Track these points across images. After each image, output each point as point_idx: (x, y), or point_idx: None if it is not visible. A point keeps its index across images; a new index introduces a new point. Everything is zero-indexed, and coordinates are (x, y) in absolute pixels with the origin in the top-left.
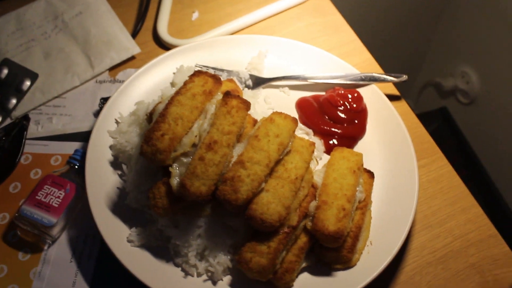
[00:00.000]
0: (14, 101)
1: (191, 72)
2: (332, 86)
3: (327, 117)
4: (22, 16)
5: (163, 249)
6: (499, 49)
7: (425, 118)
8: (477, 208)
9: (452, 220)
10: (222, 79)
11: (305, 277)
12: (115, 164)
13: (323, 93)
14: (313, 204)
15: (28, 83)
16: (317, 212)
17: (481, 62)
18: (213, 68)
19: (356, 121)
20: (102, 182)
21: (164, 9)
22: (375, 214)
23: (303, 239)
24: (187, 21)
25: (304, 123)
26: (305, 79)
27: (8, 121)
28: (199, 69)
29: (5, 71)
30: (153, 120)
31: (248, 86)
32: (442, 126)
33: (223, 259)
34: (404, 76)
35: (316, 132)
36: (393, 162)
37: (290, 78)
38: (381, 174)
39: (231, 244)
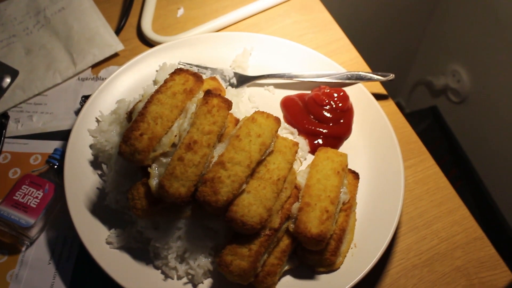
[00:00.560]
0: None
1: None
2: (318, 84)
3: (312, 117)
4: (3, 11)
5: (143, 251)
6: (490, 47)
7: (416, 117)
8: (464, 210)
9: (439, 222)
10: (205, 77)
11: (287, 280)
12: (95, 163)
13: (309, 92)
14: (296, 205)
15: (8, 80)
16: (300, 214)
17: (472, 61)
18: (196, 66)
19: (341, 121)
20: (81, 182)
21: (149, 5)
22: (360, 216)
23: (285, 242)
24: (172, 18)
25: (289, 123)
26: (290, 77)
27: None
28: (182, 66)
29: None
30: (133, 119)
31: (232, 85)
32: (432, 125)
33: (203, 262)
34: (391, 75)
35: (301, 132)
36: (379, 162)
37: (275, 76)
38: (367, 175)
39: (212, 247)
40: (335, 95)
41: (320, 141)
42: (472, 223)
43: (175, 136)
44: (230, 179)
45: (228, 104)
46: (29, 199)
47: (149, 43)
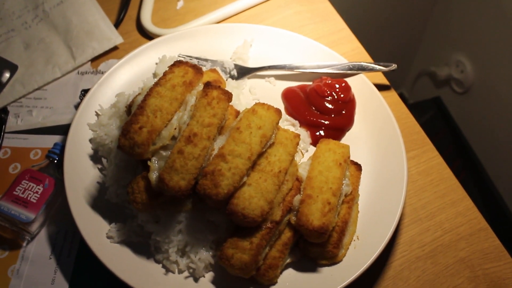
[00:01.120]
0: None
1: None
2: (319, 75)
3: (313, 108)
4: (1, 5)
5: (143, 245)
6: (494, 37)
7: (419, 107)
8: (468, 201)
9: (442, 213)
10: (205, 69)
11: (289, 273)
12: (95, 158)
13: (310, 83)
14: (298, 198)
15: (7, 75)
16: (301, 206)
17: (476, 51)
18: (196, 58)
19: (343, 112)
20: (81, 176)
21: None
22: (363, 208)
23: (287, 234)
24: (172, 10)
25: (290, 114)
26: (291, 68)
27: None
28: (182, 59)
29: None
30: (132, 112)
31: (232, 77)
32: (436, 115)
33: (204, 255)
34: (394, 65)
35: (303, 123)
36: (382, 153)
37: (276, 68)
38: (369, 166)
39: (213, 240)
40: (337, 86)
41: (322, 132)
42: (476, 214)
43: (175, 129)
44: (230, 172)
45: (228, 96)
46: (29, 194)
47: (149, 36)
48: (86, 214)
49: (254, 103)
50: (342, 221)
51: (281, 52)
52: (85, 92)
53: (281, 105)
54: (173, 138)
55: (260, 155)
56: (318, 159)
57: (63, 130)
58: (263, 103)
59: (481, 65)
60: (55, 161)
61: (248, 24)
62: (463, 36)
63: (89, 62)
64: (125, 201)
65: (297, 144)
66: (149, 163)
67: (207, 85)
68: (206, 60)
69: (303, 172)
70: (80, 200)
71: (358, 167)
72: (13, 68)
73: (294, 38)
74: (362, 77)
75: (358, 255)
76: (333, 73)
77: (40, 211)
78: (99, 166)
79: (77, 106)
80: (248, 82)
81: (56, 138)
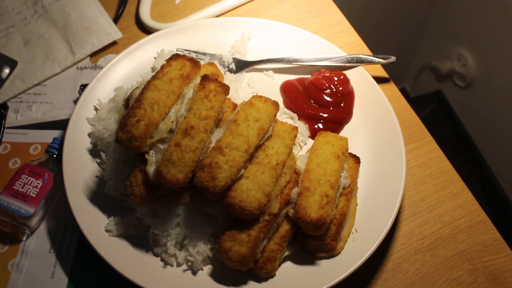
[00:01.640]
0: None
1: None
2: (318, 68)
3: (312, 101)
4: (1, 1)
5: (142, 238)
6: (496, 31)
7: (421, 101)
8: (467, 193)
9: (442, 206)
10: (203, 63)
11: (287, 266)
12: (94, 152)
13: (309, 76)
14: (295, 190)
15: (7, 70)
16: (299, 198)
17: (479, 45)
18: (195, 52)
19: (342, 105)
20: (80, 170)
21: None
22: (361, 201)
23: (285, 227)
24: (171, 4)
25: (288, 107)
26: (289, 61)
27: None
28: (180, 53)
29: None
30: (129, 106)
31: (231, 70)
32: (438, 109)
33: (203, 248)
34: (392, 57)
35: (301, 116)
36: (381, 146)
37: (274, 61)
38: (368, 159)
39: (211, 233)
40: (335, 78)
41: (320, 125)
42: (476, 207)
43: (172, 122)
44: (227, 164)
45: (225, 89)
46: (29, 188)
47: (148, 31)
48: (85, 208)
49: (252, 96)
50: (340, 214)
51: (280, 45)
52: (84, 87)
53: (279, 99)
54: (171, 131)
55: (258, 147)
56: (316, 151)
57: (63, 125)
58: (260, 96)
59: (483, 59)
60: (55, 156)
61: (247, 18)
62: (466, 30)
63: (88, 57)
64: (124, 194)
65: (295, 136)
66: (146, 156)
67: (205, 78)
68: (204, 54)
69: (301, 164)
70: (79, 194)
71: (356, 159)
72: (12, 64)
73: (293, 31)
74: (360, 69)
75: (357, 248)
76: (332, 66)
77: (39, 205)
78: (98, 160)
79: (76, 101)
80: (246, 76)
81: (56, 133)
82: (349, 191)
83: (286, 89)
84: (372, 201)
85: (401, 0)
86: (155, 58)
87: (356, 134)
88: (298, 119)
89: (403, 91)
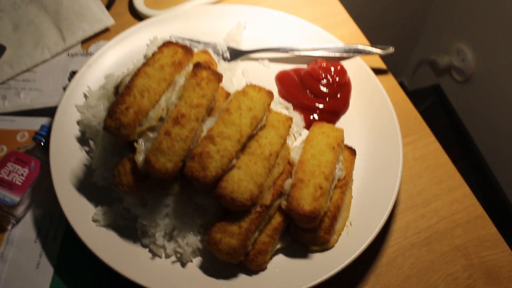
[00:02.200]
0: None
1: None
2: (314, 58)
3: (308, 91)
4: None
5: (130, 229)
6: (496, 26)
7: (419, 95)
8: (465, 187)
9: (438, 200)
10: (197, 51)
11: (279, 259)
12: (82, 140)
13: (305, 66)
14: (289, 182)
15: None
16: (293, 190)
17: (478, 39)
18: (188, 40)
19: (338, 95)
20: (67, 158)
21: None
22: (356, 193)
23: (277, 219)
24: None
25: (284, 97)
26: (285, 51)
27: None
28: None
29: None
30: (119, 92)
31: (225, 59)
32: (435, 103)
33: (192, 240)
34: (391, 48)
35: (296, 107)
36: (377, 138)
37: (270, 50)
38: (364, 151)
39: (201, 224)
40: (332, 69)
41: (316, 116)
42: (473, 201)
43: (163, 110)
44: (219, 154)
45: (218, 77)
46: (15, 176)
47: (141, 18)
48: (72, 197)
49: (246, 85)
50: (334, 206)
51: (276, 34)
52: (74, 73)
53: (274, 89)
54: (161, 119)
55: (251, 137)
56: (310, 142)
57: (51, 112)
58: (254, 85)
59: (482, 54)
60: (42, 143)
61: (243, 6)
62: (465, 24)
63: (79, 44)
64: (112, 184)
65: (289, 127)
66: (135, 144)
67: (197, 65)
68: (198, 42)
69: (295, 156)
70: (66, 183)
71: (352, 151)
72: (1, 50)
73: (289, 20)
74: (358, 60)
75: (351, 242)
76: (329, 56)
77: (25, 194)
78: (86, 149)
79: (66, 88)
80: (241, 65)
81: (44, 120)
82: (344, 184)
83: (281, 78)
84: (368, 194)
85: None
86: (147, 45)
87: (352, 125)
88: (293, 109)
89: (401, 85)
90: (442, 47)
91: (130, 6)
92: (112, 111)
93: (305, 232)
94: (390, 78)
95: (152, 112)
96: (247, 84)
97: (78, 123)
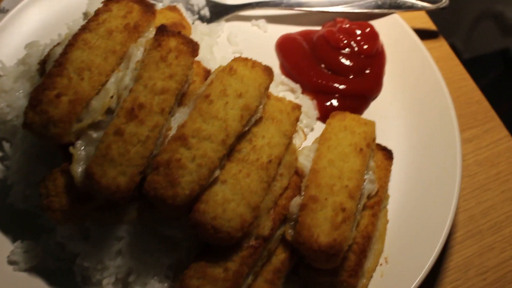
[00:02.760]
0: None
1: None
2: (332, 17)
3: (323, 65)
4: None
5: (65, 273)
6: None
7: (479, 65)
8: None
9: None
10: (161, 6)
11: None
12: None
13: (319, 28)
14: (297, 201)
15: None
16: (302, 214)
17: None
18: None
19: (367, 71)
20: None
21: None
22: (394, 216)
23: (280, 257)
24: None
25: (287, 75)
26: (290, 6)
27: None
28: None
29: None
30: (47, 71)
31: (203, 18)
32: (504, 76)
33: None
34: (444, 0)
35: (306, 89)
36: (424, 134)
37: (268, 5)
38: (405, 153)
39: (169, 265)
40: (358, 32)
41: (334, 102)
42: None
43: (112, 97)
44: (195, 163)
45: (193, 47)
46: None
47: None
48: None
49: (233, 58)
50: (363, 236)
51: None
52: None
53: (275, 62)
54: (109, 111)
55: (241, 136)
56: (328, 142)
57: None
58: (245, 58)
59: None
60: None
61: None
62: None
63: None
64: (38, 207)
65: (297, 119)
66: (71, 149)
67: (161, 30)
68: None
69: (305, 162)
70: None
71: (388, 154)
72: None
73: None
74: (396, 18)
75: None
76: (353, 12)
77: None
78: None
79: None
80: (226, 27)
81: None
82: (377, 202)
83: (284, 46)
84: (410, 218)
85: None
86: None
87: (387, 115)
88: (302, 93)
89: (452, 48)
90: None
91: None
92: (36, 100)
93: (321, 275)
94: (442, 44)
95: (95, 101)
96: (235, 58)
97: None
